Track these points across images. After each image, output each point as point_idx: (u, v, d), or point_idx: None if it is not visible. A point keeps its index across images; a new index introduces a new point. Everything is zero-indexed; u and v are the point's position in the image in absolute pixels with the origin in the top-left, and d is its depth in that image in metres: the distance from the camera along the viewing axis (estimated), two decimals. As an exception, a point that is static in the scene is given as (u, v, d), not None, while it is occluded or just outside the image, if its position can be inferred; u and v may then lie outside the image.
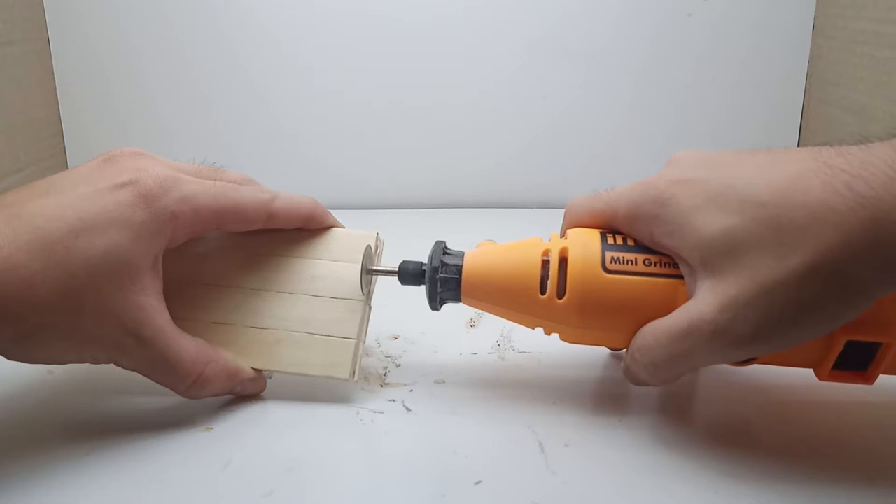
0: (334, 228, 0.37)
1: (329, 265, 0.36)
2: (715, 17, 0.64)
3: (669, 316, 0.30)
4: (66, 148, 0.66)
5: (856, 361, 0.30)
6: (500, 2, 0.63)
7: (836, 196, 0.25)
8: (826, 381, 0.31)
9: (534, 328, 0.34)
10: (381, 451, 0.31)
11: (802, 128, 0.66)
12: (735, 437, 0.32)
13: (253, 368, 0.34)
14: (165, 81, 0.65)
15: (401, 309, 0.44)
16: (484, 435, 0.32)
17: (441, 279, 0.34)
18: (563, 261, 0.32)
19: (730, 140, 0.66)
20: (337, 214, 0.65)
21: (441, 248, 0.35)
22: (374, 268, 0.36)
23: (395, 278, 0.35)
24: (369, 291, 0.36)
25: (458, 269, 0.34)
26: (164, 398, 0.34)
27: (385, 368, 0.38)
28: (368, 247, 0.35)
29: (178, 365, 0.31)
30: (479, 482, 0.29)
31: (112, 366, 0.31)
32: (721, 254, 0.28)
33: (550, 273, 0.32)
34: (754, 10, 0.63)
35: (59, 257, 0.28)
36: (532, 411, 0.34)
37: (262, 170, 0.67)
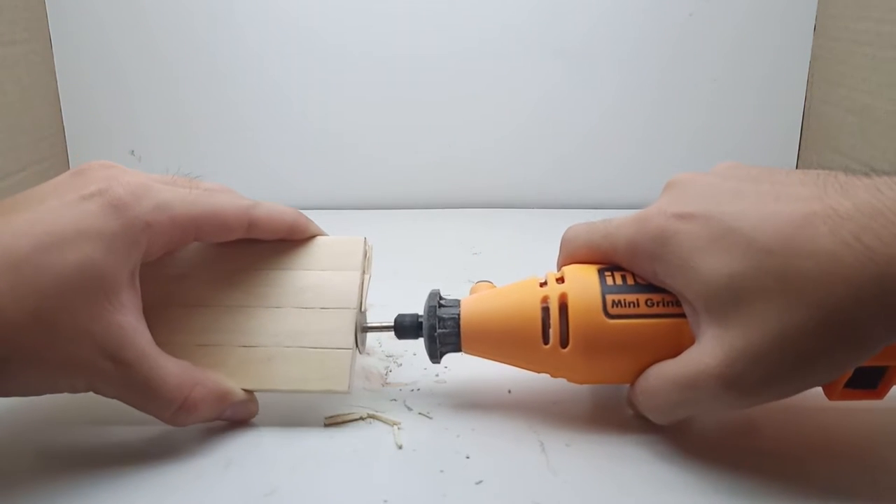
0: (319, 237, 0.36)
1: (317, 275, 0.34)
2: (716, 17, 0.64)
3: (675, 361, 0.29)
4: (67, 148, 0.66)
5: (865, 380, 0.30)
6: (499, 1, 0.63)
7: (844, 247, 0.25)
8: (837, 400, 0.31)
9: (540, 373, 0.33)
10: (382, 451, 0.31)
11: (804, 128, 0.66)
12: (737, 431, 0.32)
13: (244, 390, 0.32)
14: (167, 81, 0.65)
15: (402, 308, 0.44)
16: (485, 434, 0.32)
17: (440, 335, 0.33)
18: (564, 307, 0.31)
19: (731, 140, 0.66)
20: (336, 215, 0.65)
21: (436, 300, 0.34)
22: (369, 325, 0.35)
23: (391, 328, 0.35)
24: (361, 295, 0.35)
25: (456, 322, 0.33)
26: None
27: (386, 368, 0.38)
28: (362, 308, 0.34)
29: (161, 389, 0.29)
30: (481, 482, 0.29)
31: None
32: (726, 302, 0.27)
33: (552, 321, 0.31)
34: (755, 10, 0.63)
35: (28, 275, 0.26)
36: (533, 411, 0.34)
37: (264, 166, 0.67)
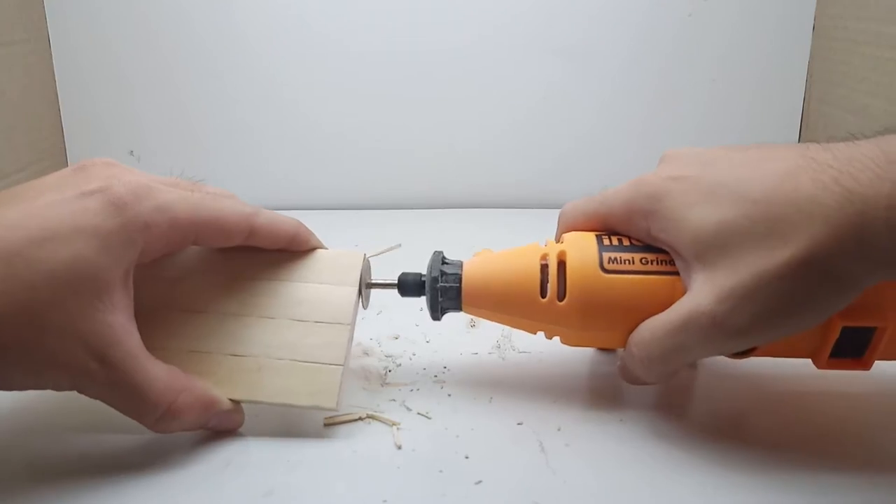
0: (319, 250, 0.35)
1: (315, 288, 0.34)
2: (715, 17, 0.64)
3: (666, 311, 0.30)
4: (66, 147, 0.66)
5: (852, 348, 0.31)
6: (499, 1, 0.63)
7: (824, 191, 0.27)
8: (824, 368, 0.32)
9: (535, 333, 0.34)
10: (381, 451, 0.31)
11: (803, 128, 0.66)
12: (733, 431, 0.32)
13: (231, 400, 0.31)
14: (166, 82, 0.65)
15: (402, 309, 0.44)
16: (484, 434, 0.32)
17: (441, 289, 0.34)
18: (562, 264, 0.33)
19: (730, 141, 0.66)
20: (336, 215, 0.65)
21: (440, 258, 0.35)
22: (373, 281, 0.35)
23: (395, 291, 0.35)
24: (356, 311, 0.34)
25: (458, 277, 0.34)
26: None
27: (386, 368, 0.38)
28: (366, 260, 0.35)
29: (147, 393, 0.28)
30: (480, 482, 0.29)
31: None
32: (715, 247, 0.29)
33: (550, 276, 0.32)
34: (755, 10, 0.63)
35: (19, 269, 0.26)
36: (532, 411, 0.34)
37: (263, 167, 0.67)
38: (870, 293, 0.28)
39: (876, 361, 0.32)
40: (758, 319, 0.28)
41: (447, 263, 0.35)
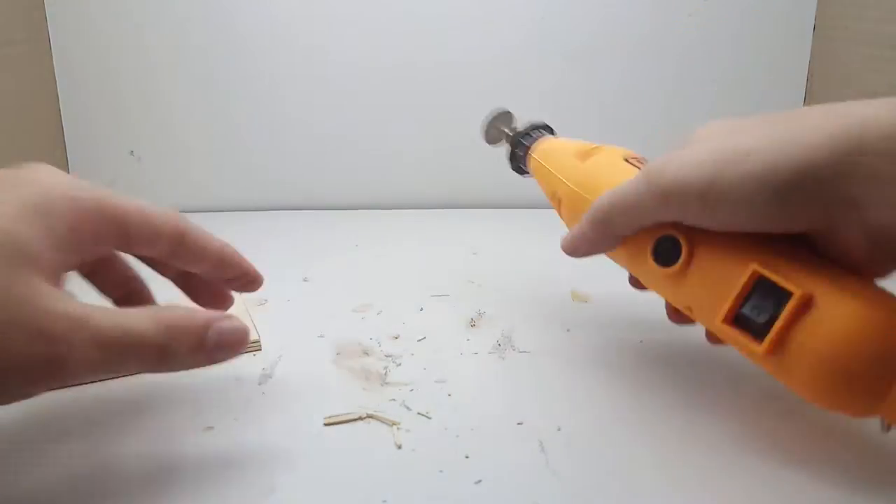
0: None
1: None
2: (715, 17, 0.64)
3: None
4: (66, 148, 0.66)
5: (760, 321, 0.28)
6: (499, 5, 0.63)
7: (828, 114, 0.28)
8: (721, 324, 0.29)
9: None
10: (381, 451, 0.31)
11: (803, 128, 0.66)
12: (731, 431, 0.32)
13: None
14: (166, 82, 0.65)
15: (402, 309, 0.44)
16: (484, 434, 0.32)
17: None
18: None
19: (730, 140, 0.66)
20: (336, 215, 0.65)
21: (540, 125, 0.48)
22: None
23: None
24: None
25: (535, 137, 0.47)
26: (164, 399, 0.34)
27: (385, 368, 0.38)
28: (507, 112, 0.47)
29: (133, 329, 0.26)
30: (480, 481, 0.29)
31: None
32: (707, 137, 0.33)
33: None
34: (755, 10, 0.63)
35: None
36: (532, 411, 0.34)
37: (264, 167, 0.67)
38: (799, 258, 0.28)
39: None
40: (677, 186, 0.30)
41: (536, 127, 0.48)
